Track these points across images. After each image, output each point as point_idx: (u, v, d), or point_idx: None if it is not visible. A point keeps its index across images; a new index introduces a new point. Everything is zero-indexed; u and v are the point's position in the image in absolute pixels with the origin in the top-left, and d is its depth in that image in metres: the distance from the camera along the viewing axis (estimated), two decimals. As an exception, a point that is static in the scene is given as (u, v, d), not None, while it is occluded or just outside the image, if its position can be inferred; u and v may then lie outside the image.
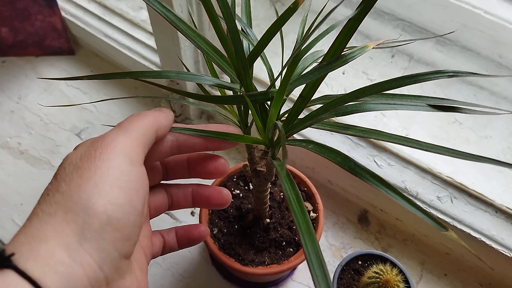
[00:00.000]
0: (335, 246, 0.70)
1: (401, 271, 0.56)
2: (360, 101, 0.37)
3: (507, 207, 0.60)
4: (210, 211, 0.60)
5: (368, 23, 0.87)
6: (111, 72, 0.86)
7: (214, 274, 0.67)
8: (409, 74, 0.35)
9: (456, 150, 0.31)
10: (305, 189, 0.62)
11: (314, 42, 0.38)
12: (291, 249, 0.57)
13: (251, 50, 0.40)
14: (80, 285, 0.26)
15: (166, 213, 0.73)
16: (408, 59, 0.85)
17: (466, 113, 0.36)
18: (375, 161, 0.66)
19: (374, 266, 0.54)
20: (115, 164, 0.29)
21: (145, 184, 0.31)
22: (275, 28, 0.33)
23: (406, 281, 0.56)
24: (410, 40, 0.42)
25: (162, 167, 0.42)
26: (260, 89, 0.38)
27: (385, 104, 0.37)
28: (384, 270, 0.52)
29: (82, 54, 0.91)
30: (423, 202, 0.63)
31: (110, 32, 0.82)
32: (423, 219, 0.29)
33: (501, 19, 0.75)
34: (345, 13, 0.87)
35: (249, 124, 0.43)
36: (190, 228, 0.44)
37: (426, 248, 0.69)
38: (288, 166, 0.64)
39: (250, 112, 0.39)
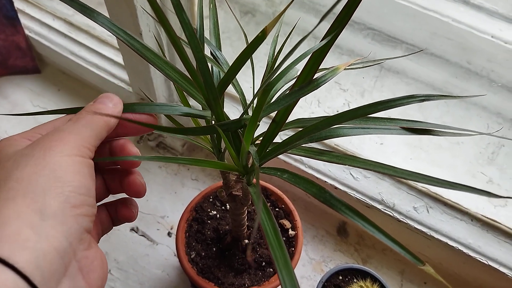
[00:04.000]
0: (315, 260, 0.70)
1: (382, 286, 0.56)
2: (335, 126, 0.37)
3: (482, 215, 0.61)
4: (187, 233, 0.58)
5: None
6: (79, 90, 0.83)
7: (194, 296, 0.66)
8: (382, 100, 0.34)
9: (432, 177, 0.31)
10: (283, 206, 0.61)
11: (286, 70, 0.37)
12: (271, 269, 0.56)
13: (221, 76, 0.39)
14: (49, 258, 0.27)
15: (142, 235, 0.71)
16: (379, 68, 0.86)
17: (439, 135, 0.36)
18: (351, 174, 0.66)
19: (355, 282, 0.54)
20: (68, 154, 0.31)
21: (93, 171, 0.33)
22: (244, 56, 0.33)
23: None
24: (380, 60, 0.41)
25: None
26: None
27: (359, 128, 0.36)
28: (365, 287, 0.52)
29: (49, 72, 0.88)
30: (400, 213, 0.63)
31: (77, 49, 0.79)
32: (401, 253, 0.29)
33: (469, 26, 0.76)
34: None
35: (222, 150, 0.42)
36: (119, 204, 0.43)
37: (404, 258, 0.69)
38: (264, 183, 0.63)
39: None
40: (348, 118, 0.34)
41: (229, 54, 0.57)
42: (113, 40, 0.81)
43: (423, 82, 0.84)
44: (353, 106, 0.82)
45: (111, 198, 0.43)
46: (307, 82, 0.35)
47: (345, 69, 0.40)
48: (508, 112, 0.81)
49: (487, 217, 0.61)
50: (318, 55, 0.33)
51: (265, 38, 0.32)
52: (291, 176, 0.33)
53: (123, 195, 0.42)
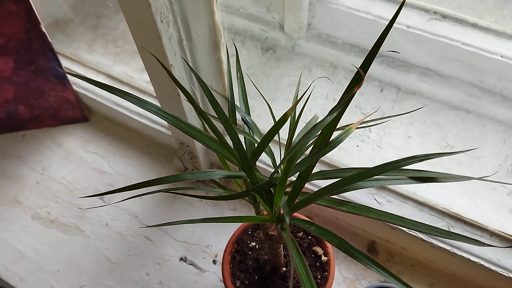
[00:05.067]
0: (349, 279, 0.76)
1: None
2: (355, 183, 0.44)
3: (499, 231, 0.66)
4: (231, 264, 0.66)
5: (355, 61, 0.93)
6: (125, 134, 0.93)
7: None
8: (388, 161, 0.41)
9: (432, 227, 0.37)
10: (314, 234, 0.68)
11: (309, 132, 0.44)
12: (308, 293, 0.63)
13: (252, 142, 0.47)
14: None
15: (190, 263, 0.79)
16: (396, 91, 0.92)
17: (442, 181, 0.42)
18: (375, 199, 0.72)
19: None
20: None
21: None
22: (272, 134, 0.40)
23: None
24: (388, 116, 0.48)
25: None
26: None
27: (372, 181, 0.43)
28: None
29: (96, 120, 0.98)
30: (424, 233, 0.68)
31: (120, 100, 0.89)
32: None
33: (478, 48, 0.81)
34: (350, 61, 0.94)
35: (257, 200, 0.50)
36: None
37: (433, 272, 0.75)
38: (300, 215, 0.70)
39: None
40: (362, 178, 0.41)
41: (254, 90, 0.65)
42: (150, 88, 0.90)
43: (439, 101, 0.89)
44: (373, 129, 0.88)
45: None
46: (325, 144, 0.42)
47: (356, 128, 0.47)
48: (524, 125, 0.85)
49: (505, 233, 0.66)
50: (332, 123, 0.40)
51: (287, 120, 0.39)
52: (317, 229, 0.41)
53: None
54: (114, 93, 0.42)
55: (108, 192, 0.42)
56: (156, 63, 0.62)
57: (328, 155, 0.81)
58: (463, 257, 0.66)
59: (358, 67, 0.35)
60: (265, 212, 0.49)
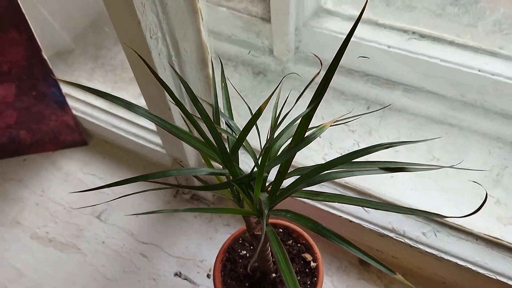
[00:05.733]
0: (341, 289, 0.77)
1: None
2: (326, 172, 0.46)
3: (484, 234, 0.68)
4: (222, 272, 0.67)
5: (341, 80, 0.97)
6: (122, 156, 0.96)
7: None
8: (357, 149, 0.44)
9: (395, 205, 0.40)
10: (303, 241, 0.70)
11: (287, 128, 0.48)
12: (298, 299, 0.64)
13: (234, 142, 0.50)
14: None
15: (185, 278, 0.81)
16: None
17: (410, 171, 0.45)
18: (363, 208, 0.74)
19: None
20: None
21: None
22: (249, 126, 0.43)
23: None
24: (359, 114, 0.51)
25: None
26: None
27: (346, 172, 0.46)
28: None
29: (95, 144, 1.02)
30: (411, 239, 0.70)
31: (117, 122, 0.93)
32: (371, 263, 0.37)
33: (457, 64, 0.85)
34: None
35: (241, 199, 0.52)
36: None
37: (424, 280, 0.75)
38: (286, 223, 0.72)
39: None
40: (335, 165, 0.44)
41: (247, 111, 0.68)
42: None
43: (424, 117, 0.93)
44: (362, 145, 0.91)
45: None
46: (300, 140, 0.45)
47: (330, 125, 0.50)
48: (507, 136, 0.87)
49: (490, 236, 0.67)
50: (306, 119, 0.43)
51: (261, 114, 0.42)
52: (292, 215, 0.43)
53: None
54: (105, 97, 0.46)
55: (102, 187, 0.45)
56: (146, 75, 0.65)
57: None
58: (450, 261, 0.67)
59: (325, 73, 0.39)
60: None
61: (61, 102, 0.94)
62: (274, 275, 0.66)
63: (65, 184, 0.96)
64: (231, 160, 0.45)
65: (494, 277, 0.65)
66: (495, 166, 0.85)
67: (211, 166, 0.52)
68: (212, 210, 0.43)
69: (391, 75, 0.92)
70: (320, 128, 0.47)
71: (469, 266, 0.67)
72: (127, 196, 0.92)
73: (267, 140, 0.47)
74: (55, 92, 0.93)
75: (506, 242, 0.66)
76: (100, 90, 0.46)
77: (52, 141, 1.00)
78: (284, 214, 0.44)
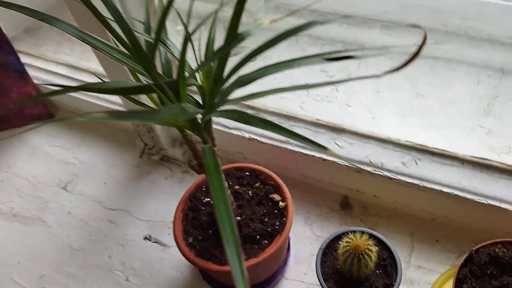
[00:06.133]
0: (322, 237, 0.70)
1: (379, 241, 0.56)
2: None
3: (471, 156, 0.60)
4: (183, 222, 0.61)
5: (318, 27, 0.91)
6: (89, 125, 0.90)
7: (207, 288, 0.68)
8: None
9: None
10: (272, 182, 0.63)
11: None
12: (266, 241, 0.58)
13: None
14: None
15: (155, 241, 0.75)
16: (361, 50, 0.88)
17: (359, 58, 0.38)
18: (336, 144, 0.67)
19: (345, 237, 0.54)
20: None
21: None
22: (161, 23, 0.37)
23: (388, 249, 0.56)
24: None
25: None
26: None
27: (284, 65, 0.39)
28: (353, 238, 0.52)
29: (61, 115, 0.97)
30: (390, 170, 0.63)
31: (78, 87, 0.87)
32: (305, 145, 0.31)
33: (435, -11, 0.78)
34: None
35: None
36: None
37: (411, 219, 0.69)
38: (252, 165, 0.65)
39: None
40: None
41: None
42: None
43: (406, 53, 0.85)
44: (341, 90, 0.85)
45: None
46: (234, 37, 0.39)
47: (269, 23, 0.43)
48: (496, 62, 0.80)
49: (477, 157, 0.60)
50: (238, 12, 0.37)
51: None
52: (223, 113, 0.37)
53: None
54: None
55: None
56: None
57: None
58: (434, 190, 0.60)
59: None
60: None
61: (20, 71, 0.89)
62: (238, 218, 0.59)
63: (31, 159, 0.91)
64: (149, 60, 0.39)
65: (485, 202, 0.58)
66: (484, 96, 0.78)
67: (138, 79, 0.46)
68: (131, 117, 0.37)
69: (367, 12, 0.86)
70: (258, 25, 0.41)
71: (456, 192, 0.60)
72: (94, 166, 0.87)
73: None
74: (13, 60, 0.88)
75: (496, 162, 0.59)
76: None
77: (17, 116, 0.95)
78: (230, 115, 0.37)
